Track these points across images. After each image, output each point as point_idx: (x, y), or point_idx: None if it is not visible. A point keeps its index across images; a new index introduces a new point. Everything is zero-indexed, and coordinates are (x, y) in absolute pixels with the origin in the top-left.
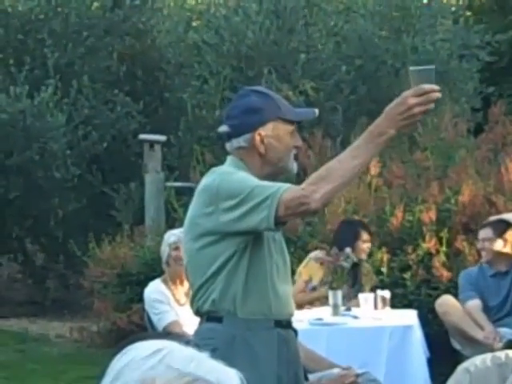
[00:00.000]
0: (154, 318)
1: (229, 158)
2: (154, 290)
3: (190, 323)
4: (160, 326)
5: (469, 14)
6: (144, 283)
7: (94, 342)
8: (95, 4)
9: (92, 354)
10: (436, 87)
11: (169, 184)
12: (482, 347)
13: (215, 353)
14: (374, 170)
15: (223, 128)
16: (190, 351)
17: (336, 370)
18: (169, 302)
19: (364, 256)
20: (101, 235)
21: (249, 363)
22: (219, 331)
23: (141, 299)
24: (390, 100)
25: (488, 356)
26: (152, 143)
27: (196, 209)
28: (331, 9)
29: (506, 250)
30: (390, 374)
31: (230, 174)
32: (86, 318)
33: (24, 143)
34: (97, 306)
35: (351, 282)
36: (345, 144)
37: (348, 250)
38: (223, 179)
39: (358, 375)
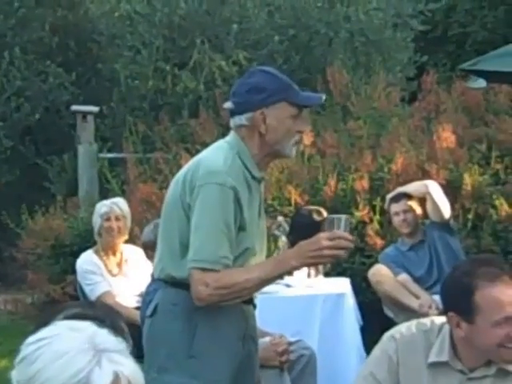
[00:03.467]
0: (87, 289)
1: (231, 134)
2: (86, 260)
3: (122, 293)
4: (92, 296)
5: None
6: (78, 254)
7: (29, 314)
8: None
9: (26, 326)
10: (349, 237)
11: (102, 155)
12: (415, 315)
13: (177, 320)
14: (307, 139)
15: (228, 104)
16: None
17: (268, 339)
18: (101, 272)
19: None
20: (34, 207)
21: (208, 334)
22: (184, 298)
23: (75, 270)
24: (323, 69)
25: (413, 323)
26: (85, 114)
27: (190, 180)
28: None
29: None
30: (323, 341)
31: (213, 197)
32: (21, 290)
33: None
34: (31, 277)
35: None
36: None
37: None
38: (206, 195)
39: (290, 343)
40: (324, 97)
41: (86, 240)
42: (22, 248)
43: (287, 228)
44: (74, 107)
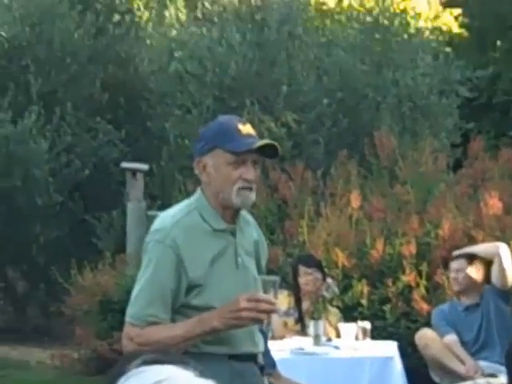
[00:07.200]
0: None
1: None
2: None
3: None
4: None
5: (449, 49)
6: (125, 311)
7: (75, 369)
8: (79, 31)
9: (73, 380)
10: (272, 300)
11: (151, 213)
12: (461, 380)
13: None
14: (355, 202)
15: None
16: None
17: None
18: None
19: (313, 292)
20: (82, 262)
21: None
22: None
23: (122, 327)
24: (370, 133)
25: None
26: (134, 172)
27: None
28: (313, 41)
29: (477, 277)
30: None
31: (151, 255)
32: (67, 345)
33: (6, 169)
34: (78, 333)
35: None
36: (325, 176)
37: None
38: (147, 252)
39: None
40: (261, 143)
41: None
42: (70, 303)
43: (336, 290)
44: (124, 164)
